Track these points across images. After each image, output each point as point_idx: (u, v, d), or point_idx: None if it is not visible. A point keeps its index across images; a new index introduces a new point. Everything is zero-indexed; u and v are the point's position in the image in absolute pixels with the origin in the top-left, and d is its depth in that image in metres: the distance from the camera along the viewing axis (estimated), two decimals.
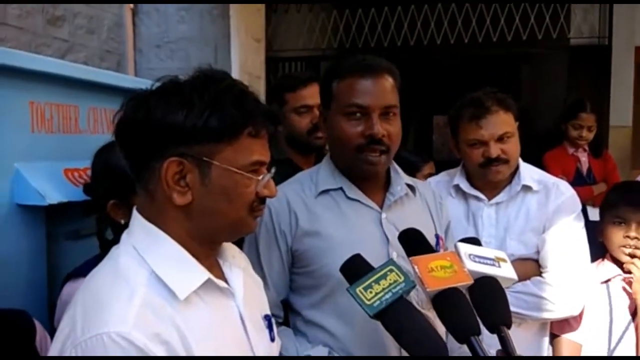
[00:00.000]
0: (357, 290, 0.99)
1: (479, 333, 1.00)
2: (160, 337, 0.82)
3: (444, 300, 1.02)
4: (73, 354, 0.80)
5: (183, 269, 0.90)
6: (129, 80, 1.78)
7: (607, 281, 1.72)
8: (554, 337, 1.76)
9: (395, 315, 0.98)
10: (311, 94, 2.08)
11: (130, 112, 0.92)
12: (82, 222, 1.67)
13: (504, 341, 1.00)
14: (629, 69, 3.99)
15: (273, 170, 0.99)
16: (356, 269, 1.05)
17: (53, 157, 1.51)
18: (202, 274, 0.92)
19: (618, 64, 3.96)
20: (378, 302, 0.98)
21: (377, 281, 1.00)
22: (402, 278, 1.01)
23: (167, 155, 0.88)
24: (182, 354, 0.84)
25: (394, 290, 0.99)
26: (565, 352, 1.72)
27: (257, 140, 0.94)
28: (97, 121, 1.66)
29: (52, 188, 1.42)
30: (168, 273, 0.88)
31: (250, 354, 0.98)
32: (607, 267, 1.74)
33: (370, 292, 0.99)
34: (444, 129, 5.02)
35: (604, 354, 1.66)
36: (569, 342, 1.71)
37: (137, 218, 0.94)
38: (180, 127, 0.87)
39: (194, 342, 0.85)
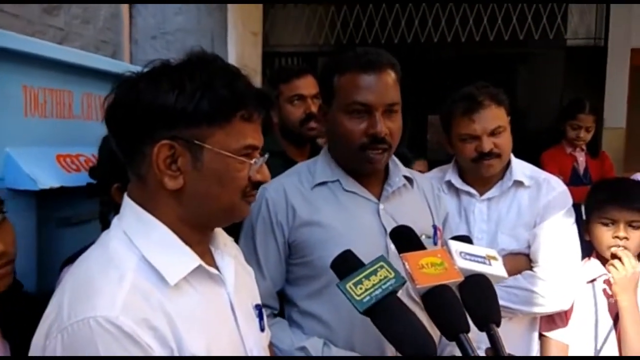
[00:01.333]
0: (347, 285, 0.99)
1: (468, 330, 1.00)
2: (149, 323, 0.81)
3: (433, 298, 1.02)
4: (58, 339, 0.79)
5: (174, 255, 0.89)
6: (124, 67, 1.77)
7: (592, 281, 1.73)
8: (541, 337, 1.77)
9: (385, 311, 0.98)
10: (305, 85, 2.10)
11: (120, 95, 0.91)
12: (73, 209, 1.67)
13: (493, 339, 1.01)
14: (624, 71, 4.02)
15: (266, 155, 0.97)
16: (347, 264, 1.05)
17: (46, 143, 1.50)
18: (193, 260, 0.91)
19: (613, 66, 3.99)
20: (368, 297, 0.98)
21: (367, 277, 1.00)
22: (393, 274, 1.01)
23: (158, 139, 0.87)
24: (171, 340, 0.83)
25: (384, 287, 0.99)
26: (552, 352, 1.72)
27: (250, 124, 0.93)
28: (91, 107, 1.65)
29: (44, 173, 1.40)
30: (158, 258, 0.87)
31: (239, 342, 0.98)
32: (592, 266, 1.75)
33: (361, 288, 0.99)
34: (438, 128, 5.01)
35: (590, 354, 1.67)
36: (556, 343, 1.72)
37: (128, 203, 0.94)
38: (171, 110, 0.86)
39: (183, 329, 0.85)
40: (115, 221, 0.94)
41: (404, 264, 1.05)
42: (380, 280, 1.00)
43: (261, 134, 0.97)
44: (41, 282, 1.52)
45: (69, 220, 1.66)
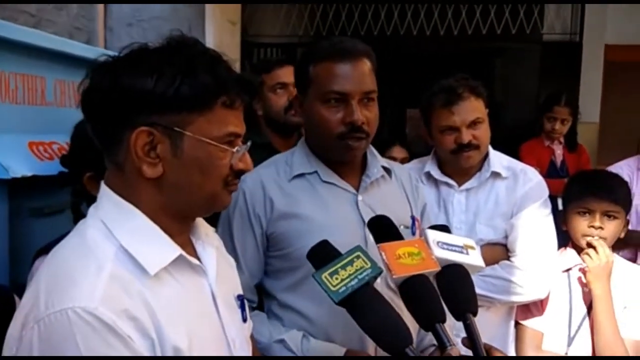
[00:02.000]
0: (323, 276, 0.98)
1: (444, 320, 1.00)
2: (129, 313, 0.79)
3: (409, 288, 1.02)
4: (35, 330, 0.76)
5: (153, 244, 0.87)
6: (100, 53, 1.73)
7: (567, 270, 1.76)
8: (517, 325, 1.80)
9: (360, 302, 0.97)
10: (286, 73, 2.12)
11: (97, 79, 0.86)
12: (46, 199, 1.63)
13: (470, 329, 1.01)
14: (598, 66, 4.09)
15: (249, 143, 0.95)
16: (323, 254, 1.04)
17: (17, 130, 1.46)
18: (174, 250, 0.89)
19: (588, 61, 4.07)
20: (344, 288, 0.96)
21: (343, 267, 0.99)
22: (369, 264, 1.00)
23: (136, 125, 0.83)
24: (151, 330, 0.81)
25: (359, 277, 0.98)
26: (526, 340, 1.75)
27: (232, 111, 0.90)
28: (64, 94, 1.61)
29: (16, 161, 1.37)
30: (137, 248, 0.84)
31: (221, 333, 0.96)
32: (568, 256, 1.78)
33: (336, 279, 0.97)
34: (416, 122, 5.04)
35: (564, 342, 1.70)
36: (530, 331, 1.75)
37: (105, 191, 0.90)
38: (150, 95, 0.83)
39: (164, 319, 0.83)
40: (91, 210, 0.91)
41: (381, 254, 1.04)
42: (357, 270, 0.99)
43: (243, 122, 0.94)
44: (13, 274, 1.48)
45: (42, 210, 1.62)
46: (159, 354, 0.81)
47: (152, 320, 0.81)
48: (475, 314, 1.03)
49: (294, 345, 1.29)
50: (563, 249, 1.82)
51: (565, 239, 1.82)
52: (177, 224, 0.93)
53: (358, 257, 1.01)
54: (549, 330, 1.74)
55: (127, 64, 0.86)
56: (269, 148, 2.08)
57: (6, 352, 0.80)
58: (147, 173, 0.86)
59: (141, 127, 0.84)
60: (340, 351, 1.27)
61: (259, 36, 4.15)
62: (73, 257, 0.84)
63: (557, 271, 1.76)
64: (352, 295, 0.97)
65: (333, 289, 0.96)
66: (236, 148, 0.91)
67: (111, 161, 0.90)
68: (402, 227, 1.37)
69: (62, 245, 0.88)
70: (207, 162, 0.88)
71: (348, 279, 0.98)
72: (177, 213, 0.92)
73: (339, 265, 0.99)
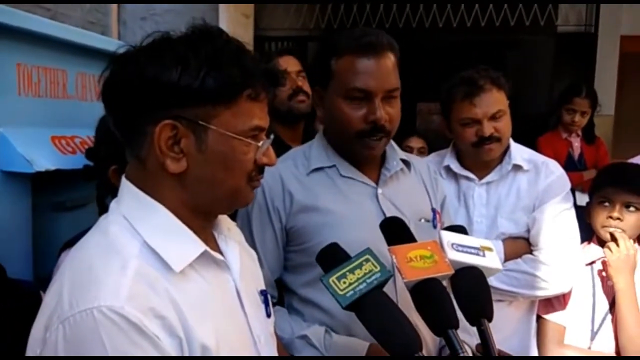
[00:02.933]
0: (331, 280, 0.95)
1: (456, 326, 0.97)
2: (155, 312, 0.77)
3: (421, 292, 1.00)
4: (60, 330, 0.74)
5: (178, 241, 0.85)
6: (120, 45, 1.72)
7: (591, 263, 1.74)
8: (539, 319, 1.78)
9: (369, 306, 0.95)
10: (287, 62, 2.09)
11: (119, 70, 0.84)
12: (69, 193, 1.63)
13: (484, 335, 0.98)
14: (613, 58, 4.05)
15: (272, 137, 0.93)
16: (331, 257, 1.02)
17: (40, 123, 1.46)
18: (198, 246, 0.87)
19: (603, 53, 4.01)
20: (351, 292, 0.94)
21: (351, 271, 0.97)
22: (378, 268, 0.97)
23: (160, 118, 0.81)
24: (179, 329, 0.79)
25: (368, 281, 0.96)
26: (549, 334, 1.74)
27: (257, 103, 0.88)
28: (85, 87, 1.61)
29: (39, 155, 1.36)
30: (161, 244, 0.82)
31: (247, 329, 0.95)
32: (592, 250, 1.76)
33: (344, 282, 0.95)
34: (428, 116, 5.01)
35: (587, 336, 1.69)
36: (553, 325, 1.73)
37: (127, 186, 0.88)
38: (174, 87, 0.80)
39: (191, 317, 0.81)
40: (113, 205, 0.89)
41: (391, 257, 1.02)
42: (365, 274, 0.96)
43: (267, 115, 0.92)
44: (37, 268, 1.48)
45: (64, 204, 1.63)
46: (186, 353, 0.79)
47: (179, 318, 0.79)
48: (490, 319, 1.00)
49: (316, 340, 1.28)
50: (587, 243, 1.81)
51: (588, 232, 1.81)
52: (199, 220, 0.91)
53: (367, 260, 0.99)
54: (572, 325, 1.72)
55: (150, 54, 0.82)
56: (278, 141, 2.06)
57: (30, 352, 0.79)
58: (171, 168, 0.83)
59: (165, 121, 0.81)
60: (363, 346, 1.25)
61: (270, 30, 4.13)
62: (96, 254, 0.81)
63: (580, 265, 1.74)
64: (360, 299, 0.94)
65: (340, 293, 0.94)
66: (261, 142, 0.89)
67: (133, 155, 0.88)
68: (422, 220, 1.37)
69: (84, 242, 0.86)
70: (232, 157, 0.86)
71: (356, 283, 0.95)
72: (199, 209, 0.90)
73: (347, 268, 0.97)
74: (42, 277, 1.50)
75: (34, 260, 1.47)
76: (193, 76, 0.80)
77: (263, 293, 1.06)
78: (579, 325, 1.71)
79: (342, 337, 1.29)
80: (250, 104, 0.86)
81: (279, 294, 1.41)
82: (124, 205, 0.87)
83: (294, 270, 1.37)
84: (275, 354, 1.05)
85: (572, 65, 4.08)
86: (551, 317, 1.75)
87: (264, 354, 0.97)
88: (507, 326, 1.69)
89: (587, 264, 1.75)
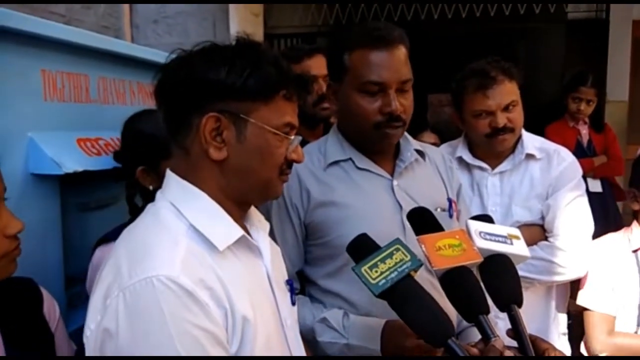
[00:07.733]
0: (363, 269, 0.98)
1: (487, 312, 0.99)
2: (205, 283, 0.84)
3: (451, 279, 1.01)
4: (120, 297, 0.81)
5: (219, 224, 0.93)
6: (137, 50, 1.76)
7: (637, 250, 1.71)
8: (584, 311, 1.76)
9: (401, 295, 0.97)
10: (316, 65, 2.06)
11: (174, 69, 0.95)
12: (93, 194, 1.68)
13: (514, 320, 0.99)
14: (626, 44, 4.00)
15: (300, 137, 1.01)
16: (362, 248, 1.05)
17: (66, 127, 1.50)
18: (237, 230, 0.95)
19: (615, 39, 3.96)
20: (383, 281, 0.97)
21: (382, 260, 1.00)
22: (409, 257, 1.00)
23: (206, 111, 0.91)
24: (225, 300, 0.86)
25: (399, 269, 0.98)
26: (599, 326, 1.71)
27: (290, 103, 0.98)
28: (107, 91, 1.65)
29: (66, 157, 1.41)
30: (206, 226, 0.91)
31: (276, 312, 1.01)
32: (635, 235, 1.73)
33: (376, 271, 0.98)
34: (438, 108, 4.98)
35: (634, 322, 1.68)
36: (601, 316, 1.71)
37: (171, 177, 0.97)
38: (221, 84, 0.91)
39: (232, 291, 0.88)
40: (159, 194, 0.98)
41: (420, 246, 1.04)
42: (396, 263, 0.99)
43: (297, 116, 1.01)
44: (67, 267, 1.53)
45: (88, 204, 1.67)
46: (230, 322, 0.87)
47: (224, 290, 0.87)
48: (520, 305, 1.01)
49: (335, 322, 1.31)
50: (628, 228, 1.78)
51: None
52: (236, 209, 0.99)
53: (397, 249, 1.01)
54: (620, 313, 1.71)
55: (201, 57, 0.94)
56: (302, 142, 2.08)
57: (90, 322, 0.85)
58: (213, 155, 0.92)
59: (210, 113, 0.91)
60: (379, 323, 1.28)
61: (279, 27, 4.14)
62: (149, 232, 0.90)
63: (625, 251, 1.72)
64: (392, 287, 0.97)
65: (373, 282, 0.97)
66: (292, 137, 0.99)
67: (179, 146, 0.96)
68: (438, 209, 1.38)
69: (136, 225, 0.95)
70: (266, 149, 0.95)
71: (388, 272, 0.98)
72: (236, 197, 0.98)
73: (378, 258, 1.00)
74: (71, 276, 1.55)
75: (64, 259, 1.52)
76: (238, 75, 0.91)
77: (289, 282, 1.12)
78: (625, 311, 1.70)
79: (359, 318, 1.32)
80: (284, 102, 0.97)
81: (301, 285, 1.44)
82: (169, 193, 0.96)
83: (314, 263, 1.40)
84: (299, 338, 1.10)
85: (584, 52, 4.03)
86: (598, 307, 1.72)
87: (289, 336, 1.04)
88: (525, 311, 1.69)
89: (633, 251, 1.72)
